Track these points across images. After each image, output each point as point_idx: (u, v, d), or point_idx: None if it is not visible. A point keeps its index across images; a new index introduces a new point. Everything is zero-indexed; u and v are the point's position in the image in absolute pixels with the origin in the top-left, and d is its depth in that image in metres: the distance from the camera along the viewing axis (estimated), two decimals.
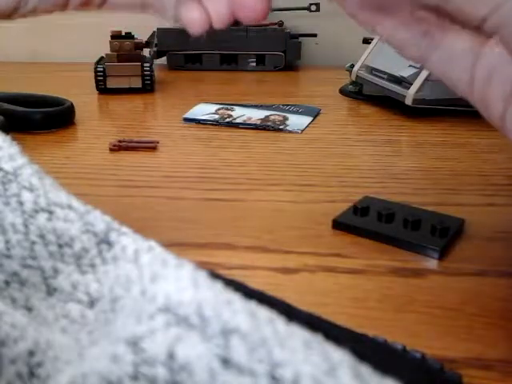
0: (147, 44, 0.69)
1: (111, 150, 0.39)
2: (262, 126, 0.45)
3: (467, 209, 0.28)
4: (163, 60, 0.80)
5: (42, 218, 0.16)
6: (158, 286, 0.13)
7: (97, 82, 0.60)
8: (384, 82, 0.50)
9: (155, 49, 0.76)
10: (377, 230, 0.26)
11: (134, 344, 0.11)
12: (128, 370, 0.11)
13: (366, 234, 0.26)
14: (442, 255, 0.24)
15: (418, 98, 0.46)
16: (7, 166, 0.17)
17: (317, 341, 0.11)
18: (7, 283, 0.15)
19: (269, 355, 0.10)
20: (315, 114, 0.49)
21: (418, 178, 0.34)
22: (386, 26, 0.19)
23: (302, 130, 0.45)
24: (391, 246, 0.25)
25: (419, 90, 0.46)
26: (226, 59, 0.78)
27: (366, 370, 0.10)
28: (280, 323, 0.11)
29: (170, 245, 0.24)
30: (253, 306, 0.12)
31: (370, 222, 0.26)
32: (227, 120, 0.47)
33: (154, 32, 0.76)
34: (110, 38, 0.61)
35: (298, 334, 0.11)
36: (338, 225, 0.27)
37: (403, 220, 0.26)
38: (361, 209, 0.27)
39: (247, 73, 0.77)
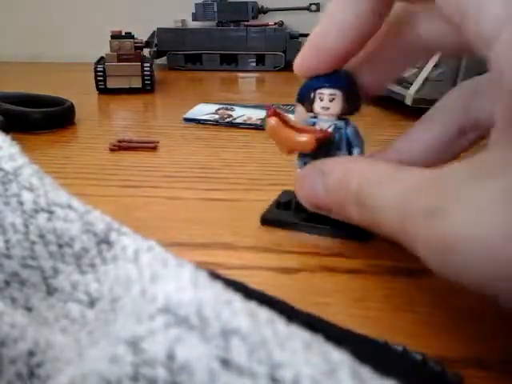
0: (147, 44, 0.69)
1: (111, 149, 0.39)
2: (262, 126, 0.45)
3: None
4: (163, 60, 0.80)
5: (41, 217, 0.16)
6: (158, 286, 0.13)
7: (97, 82, 0.60)
8: None
9: (155, 49, 0.76)
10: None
11: (134, 344, 0.11)
12: (128, 371, 0.10)
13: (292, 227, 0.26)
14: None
15: (417, 98, 0.46)
16: (7, 166, 0.17)
17: (317, 342, 0.11)
18: (7, 283, 0.15)
19: (269, 356, 0.10)
20: None
21: None
22: None
23: None
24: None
25: (419, 90, 0.46)
26: (225, 59, 0.78)
27: (366, 372, 0.10)
28: (280, 324, 0.11)
29: (170, 245, 0.24)
30: (253, 306, 0.12)
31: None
32: (227, 120, 0.47)
33: (154, 32, 0.76)
34: (110, 38, 0.61)
35: (298, 335, 0.11)
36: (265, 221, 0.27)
37: None
38: (283, 203, 0.27)
39: (247, 73, 0.77)
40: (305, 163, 0.25)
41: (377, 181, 0.18)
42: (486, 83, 0.22)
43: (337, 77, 0.23)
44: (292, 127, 0.24)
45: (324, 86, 0.23)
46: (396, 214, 0.17)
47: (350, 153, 0.24)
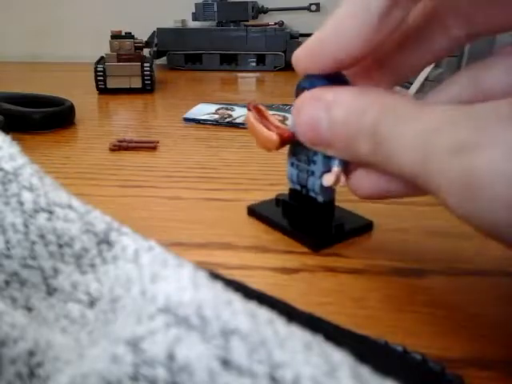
0: (147, 44, 0.69)
1: (111, 149, 0.39)
2: None
3: None
4: (163, 60, 0.80)
5: (42, 217, 0.16)
6: (158, 286, 0.13)
7: (97, 82, 0.60)
8: None
9: (155, 49, 0.76)
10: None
11: (134, 344, 0.11)
12: (128, 371, 0.10)
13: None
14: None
15: (417, 98, 0.46)
16: (7, 166, 0.17)
17: (317, 342, 0.11)
18: (7, 283, 0.15)
19: (269, 356, 0.10)
20: None
21: None
22: None
23: None
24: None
25: (419, 90, 0.46)
26: (225, 59, 0.78)
27: (366, 372, 0.10)
28: (280, 324, 0.11)
29: (170, 245, 0.24)
30: (253, 306, 0.12)
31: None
32: (227, 120, 0.47)
33: (154, 32, 0.76)
34: (109, 38, 0.61)
35: (298, 335, 0.11)
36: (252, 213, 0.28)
37: None
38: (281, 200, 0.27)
39: (247, 73, 0.77)
40: (292, 164, 0.25)
41: (399, 117, 0.17)
42: (494, 60, 0.20)
43: (330, 79, 0.21)
44: (269, 124, 0.24)
45: (315, 87, 0.22)
46: (418, 153, 0.16)
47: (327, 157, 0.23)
